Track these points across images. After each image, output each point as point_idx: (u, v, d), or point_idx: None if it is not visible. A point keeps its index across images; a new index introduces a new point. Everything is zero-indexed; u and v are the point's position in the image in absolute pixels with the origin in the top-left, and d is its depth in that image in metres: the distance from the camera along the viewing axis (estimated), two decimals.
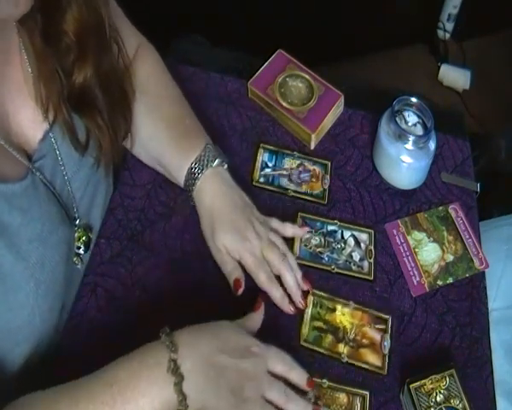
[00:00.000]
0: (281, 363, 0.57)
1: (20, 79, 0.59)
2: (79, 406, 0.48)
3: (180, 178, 0.69)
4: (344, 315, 0.67)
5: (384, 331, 0.66)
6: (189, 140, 0.70)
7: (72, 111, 0.60)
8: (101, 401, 0.48)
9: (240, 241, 0.65)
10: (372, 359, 0.65)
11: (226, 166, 0.70)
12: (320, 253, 0.72)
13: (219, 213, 0.67)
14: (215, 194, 0.67)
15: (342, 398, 0.62)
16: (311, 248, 0.72)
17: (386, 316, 0.68)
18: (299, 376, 0.58)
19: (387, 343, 0.66)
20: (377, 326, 0.67)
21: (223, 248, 0.66)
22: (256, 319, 0.62)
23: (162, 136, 0.71)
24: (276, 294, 0.65)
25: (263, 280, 0.65)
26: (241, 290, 0.64)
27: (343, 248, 0.72)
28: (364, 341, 0.66)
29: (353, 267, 0.71)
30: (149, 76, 0.74)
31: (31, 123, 0.59)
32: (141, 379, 0.50)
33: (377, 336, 0.66)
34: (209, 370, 0.52)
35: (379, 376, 0.64)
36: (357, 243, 0.73)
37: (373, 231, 0.74)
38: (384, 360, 0.65)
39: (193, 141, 0.70)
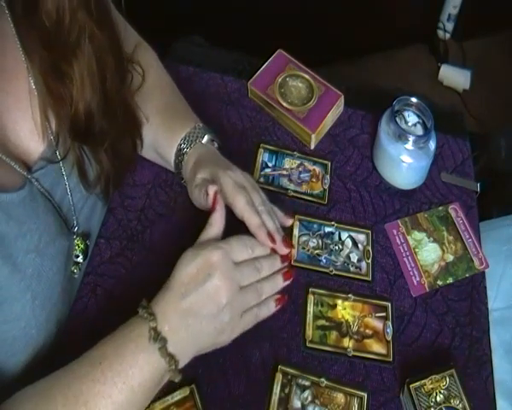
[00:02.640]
0: (243, 250, 0.56)
1: (24, 92, 0.58)
2: (72, 388, 0.49)
3: (171, 158, 0.69)
4: (345, 309, 0.68)
5: (385, 318, 0.67)
6: (178, 121, 0.70)
7: (76, 139, 0.60)
8: (92, 378, 0.49)
9: (221, 171, 0.62)
10: (377, 348, 0.65)
11: (217, 145, 0.69)
12: (318, 255, 0.72)
13: (203, 160, 0.65)
14: (200, 155, 0.66)
15: (340, 398, 0.62)
16: (308, 250, 0.72)
17: (386, 303, 0.68)
18: (263, 248, 0.58)
19: (390, 330, 0.66)
20: (378, 315, 0.67)
21: (201, 180, 0.63)
22: (216, 222, 0.58)
23: (153, 122, 0.71)
24: (255, 219, 0.59)
25: (241, 204, 0.59)
26: (218, 201, 0.58)
27: (341, 250, 0.72)
28: (368, 331, 0.66)
29: (351, 269, 0.71)
30: (145, 70, 0.74)
31: (33, 135, 0.59)
32: (127, 352, 0.51)
33: (379, 325, 0.67)
34: (185, 318, 0.53)
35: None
36: (355, 243, 0.73)
37: (370, 232, 0.74)
38: (388, 347, 0.65)
39: (182, 121, 0.70)
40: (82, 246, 0.66)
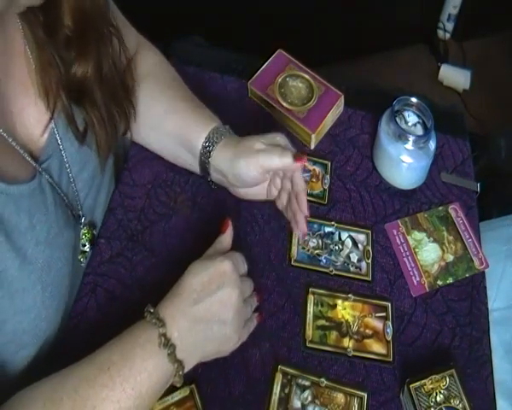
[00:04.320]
0: (243, 265, 0.60)
1: (25, 75, 0.58)
2: (79, 392, 0.49)
3: (197, 144, 0.68)
4: (345, 309, 0.68)
5: (385, 318, 0.67)
6: (208, 111, 0.70)
7: (69, 101, 0.60)
8: (100, 383, 0.50)
9: (279, 149, 0.64)
10: (377, 348, 0.65)
11: None
12: (318, 255, 0.72)
13: (246, 147, 0.65)
14: (238, 141, 0.66)
15: (340, 398, 0.62)
16: (308, 250, 0.72)
17: (386, 303, 0.68)
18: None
19: (390, 330, 0.66)
20: (378, 315, 0.67)
21: (259, 168, 0.64)
22: (225, 241, 0.61)
23: (180, 107, 0.70)
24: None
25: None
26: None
27: (341, 250, 0.72)
28: (368, 331, 0.66)
29: (351, 269, 0.71)
30: (156, 64, 0.74)
31: (35, 121, 0.59)
32: (135, 358, 0.51)
33: (379, 325, 0.67)
34: (196, 325, 0.54)
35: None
36: (355, 243, 0.73)
37: (370, 232, 0.74)
38: (388, 347, 0.65)
39: (211, 115, 0.70)
40: (89, 235, 0.67)
